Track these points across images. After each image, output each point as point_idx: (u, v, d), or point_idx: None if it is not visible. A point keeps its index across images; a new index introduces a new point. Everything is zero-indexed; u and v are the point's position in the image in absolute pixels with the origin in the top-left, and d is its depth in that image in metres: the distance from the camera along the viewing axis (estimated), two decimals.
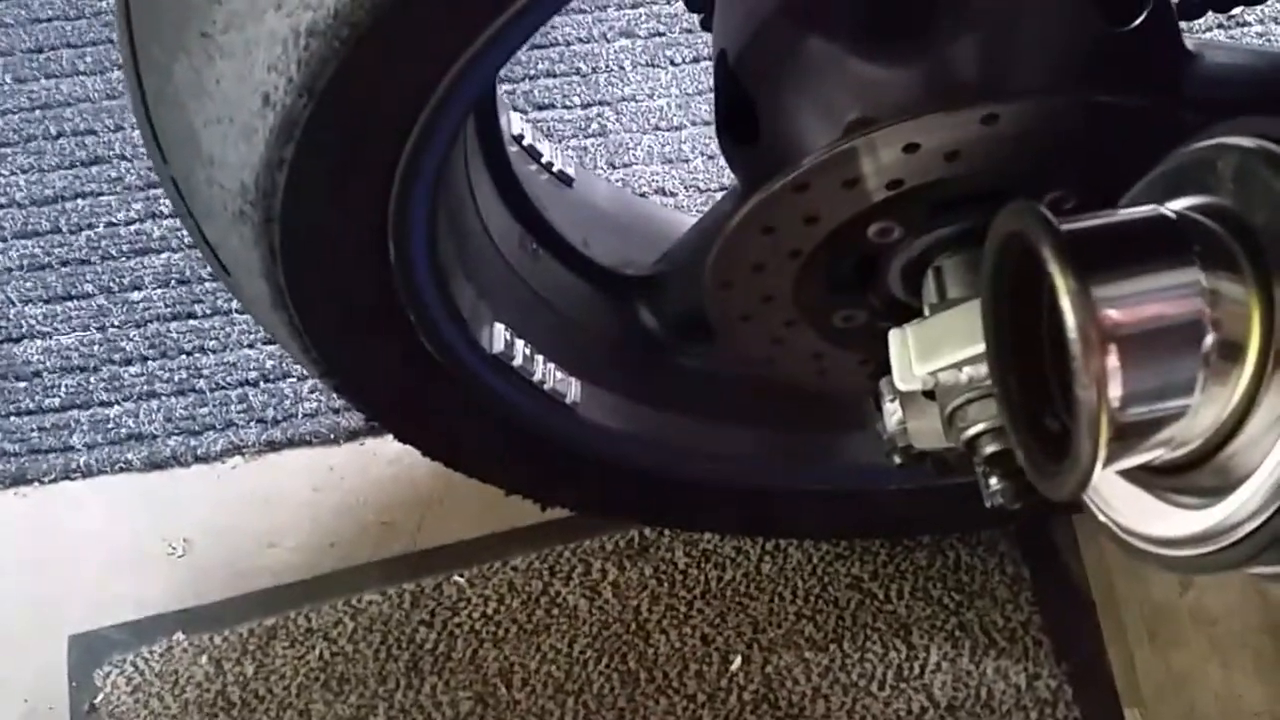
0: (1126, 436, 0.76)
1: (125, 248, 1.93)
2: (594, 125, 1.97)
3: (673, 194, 1.90)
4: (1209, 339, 0.75)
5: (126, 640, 1.67)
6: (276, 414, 1.79)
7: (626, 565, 1.66)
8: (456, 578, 1.67)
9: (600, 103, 1.99)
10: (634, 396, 1.38)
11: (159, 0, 0.93)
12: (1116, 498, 0.87)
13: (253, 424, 1.79)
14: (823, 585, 1.64)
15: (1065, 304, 0.73)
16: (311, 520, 1.73)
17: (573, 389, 1.32)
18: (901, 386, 1.07)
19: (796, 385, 1.29)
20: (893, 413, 1.15)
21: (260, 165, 0.92)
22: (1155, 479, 0.83)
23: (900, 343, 1.06)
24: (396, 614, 1.65)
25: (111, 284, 1.90)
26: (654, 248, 1.40)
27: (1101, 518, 0.89)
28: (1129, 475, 0.85)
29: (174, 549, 1.72)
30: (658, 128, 1.97)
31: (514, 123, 1.37)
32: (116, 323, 1.87)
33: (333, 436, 1.77)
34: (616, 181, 1.91)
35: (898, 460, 1.19)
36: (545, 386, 1.29)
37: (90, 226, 1.95)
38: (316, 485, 1.76)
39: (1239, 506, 0.76)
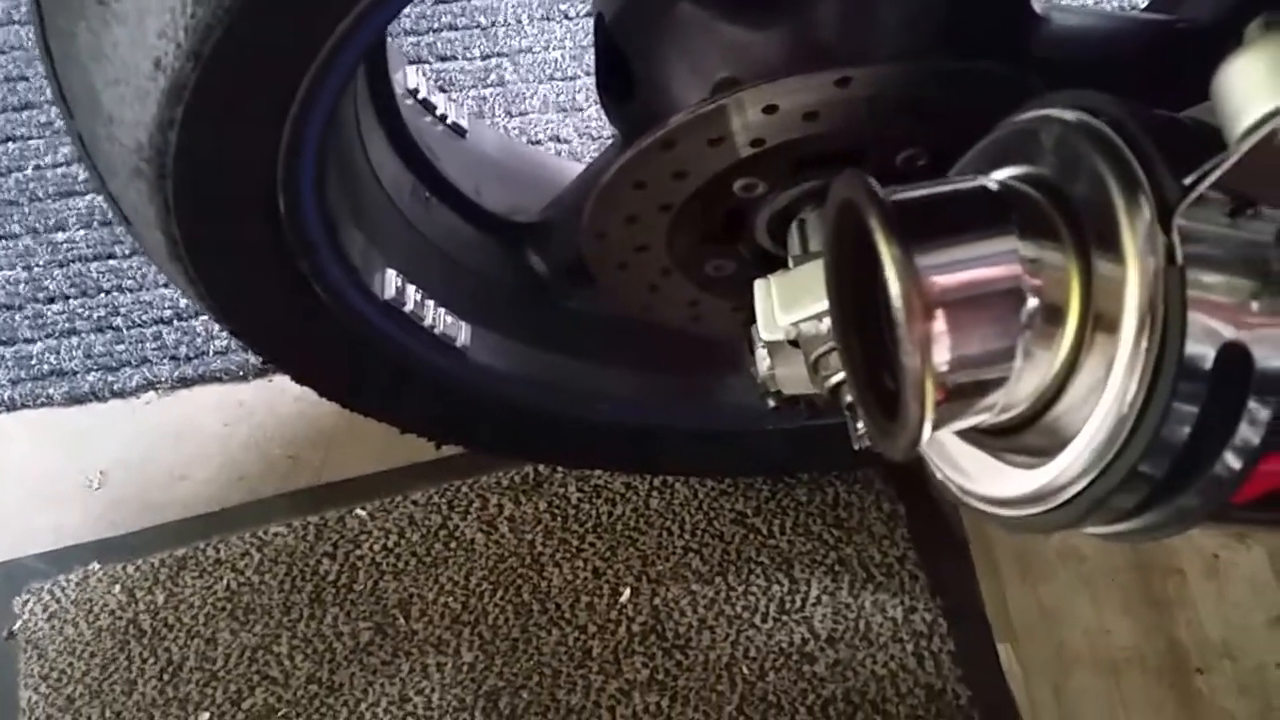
0: (952, 400, 0.79)
1: (52, 190, 1.97)
2: (493, 76, 2.02)
3: (567, 141, 1.95)
4: (1029, 305, 0.78)
5: (44, 569, 1.72)
6: (189, 351, 1.83)
7: (522, 500, 1.71)
8: (359, 511, 1.72)
9: (499, 54, 2.04)
10: (523, 340, 1.43)
11: None
12: (955, 457, 0.89)
13: (166, 360, 1.83)
14: (709, 520, 1.70)
15: (889, 272, 0.75)
16: (221, 454, 1.78)
17: (463, 333, 1.36)
18: (765, 336, 1.11)
19: (678, 329, 1.34)
20: (763, 359, 1.19)
21: (153, 125, 0.97)
22: (990, 440, 0.86)
23: (764, 293, 1.10)
24: (301, 546, 1.70)
25: (37, 225, 1.94)
26: (543, 195, 1.44)
27: (940, 476, 0.91)
28: (966, 436, 0.87)
29: (91, 481, 1.77)
30: (553, 78, 2.02)
31: (409, 76, 1.41)
32: (41, 263, 1.91)
33: (242, 373, 1.82)
34: (514, 129, 1.96)
35: (771, 403, 1.24)
36: (436, 331, 1.33)
37: (20, 169, 1.99)
38: (226, 420, 1.80)
39: (1065, 468, 0.79)
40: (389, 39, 1.28)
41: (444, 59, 2.04)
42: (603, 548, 1.68)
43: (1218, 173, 0.69)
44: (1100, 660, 1.61)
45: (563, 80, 2.02)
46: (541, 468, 1.73)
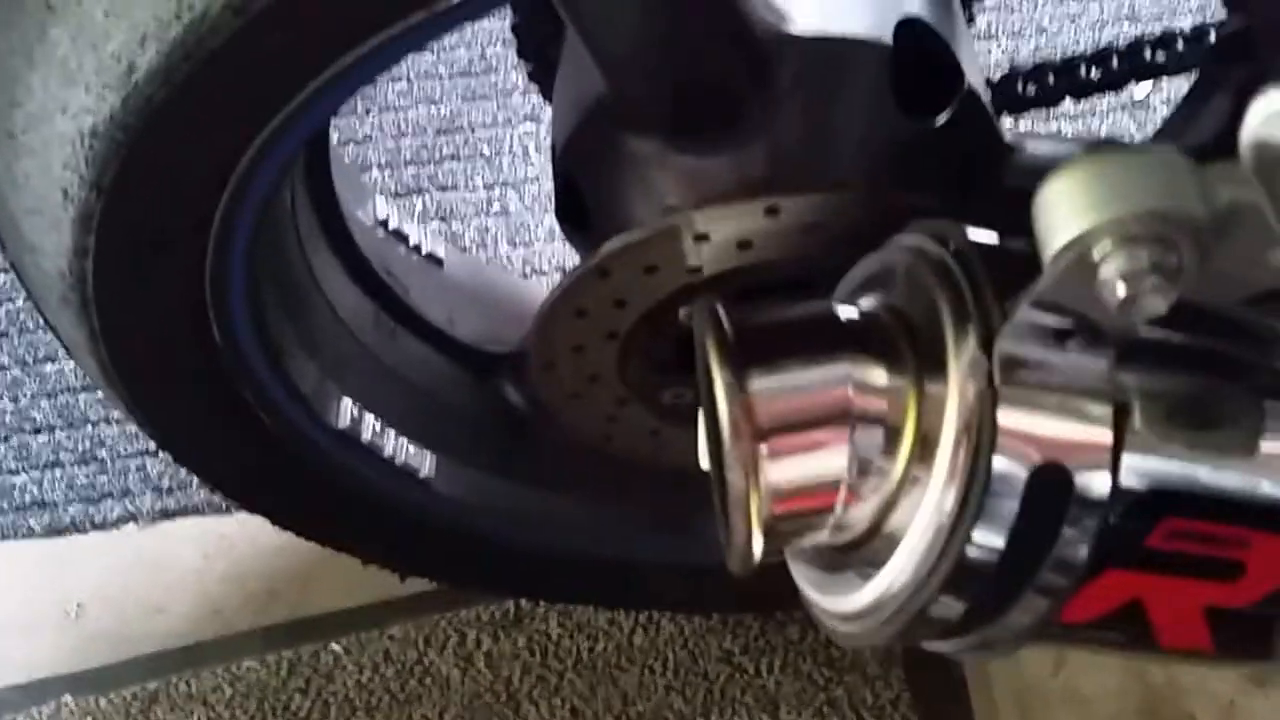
0: (787, 519, 0.83)
1: (41, 321, 1.94)
2: (496, 205, 1.98)
3: None
4: (863, 430, 0.81)
5: (18, 701, 1.68)
6: (171, 482, 1.80)
7: (500, 635, 1.66)
8: (334, 645, 1.67)
9: (503, 184, 2.01)
10: (494, 470, 1.39)
11: None
12: (816, 574, 0.91)
13: (149, 491, 1.80)
14: (693, 658, 1.64)
15: (717, 394, 0.80)
16: (199, 587, 1.75)
17: (427, 463, 1.32)
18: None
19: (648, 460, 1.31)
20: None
21: (69, 254, 0.96)
22: (844, 556, 0.87)
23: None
24: (273, 681, 1.66)
25: (27, 357, 1.92)
26: (521, 324, 1.38)
27: (804, 595, 0.93)
28: (824, 552, 0.89)
29: (68, 613, 1.74)
30: None
31: (379, 208, 1.38)
32: (29, 394, 1.89)
33: (224, 505, 1.77)
34: (517, 259, 1.94)
35: None
36: (397, 461, 1.30)
37: (10, 300, 1.96)
38: (207, 552, 1.77)
39: (893, 578, 0.81)
40: (337, 174, 1.25)
41: (445, 189, 2.01)
42: (582, 686, 1.63)
43: (1030, 298, 0.71)
44: None
45: None
46: (523, 602, 1.68)
